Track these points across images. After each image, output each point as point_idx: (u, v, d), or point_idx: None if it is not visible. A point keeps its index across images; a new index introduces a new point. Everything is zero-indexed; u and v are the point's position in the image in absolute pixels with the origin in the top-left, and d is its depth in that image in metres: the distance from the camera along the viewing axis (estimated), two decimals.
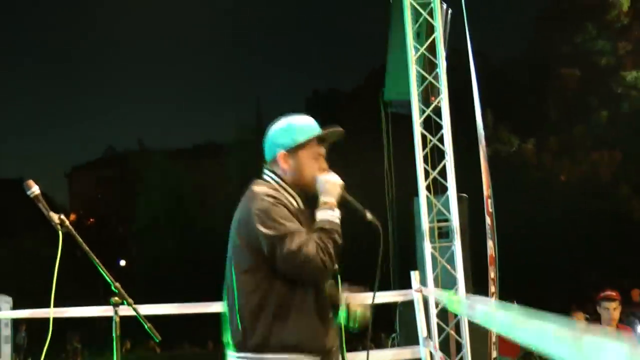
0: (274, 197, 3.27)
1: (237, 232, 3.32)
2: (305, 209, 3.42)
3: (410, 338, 7.53)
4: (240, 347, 3.26)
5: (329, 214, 3.30)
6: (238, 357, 3.27)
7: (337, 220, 3.31)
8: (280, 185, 3.40)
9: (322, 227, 3.25)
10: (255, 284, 3.23)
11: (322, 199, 3.36)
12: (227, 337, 3.34)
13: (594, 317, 9.60)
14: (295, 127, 3.45)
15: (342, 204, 3.41)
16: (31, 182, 3.56)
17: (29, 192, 3.55)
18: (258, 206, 3.24)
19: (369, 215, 3.43)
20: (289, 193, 3.39)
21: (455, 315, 7.69)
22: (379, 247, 3.46)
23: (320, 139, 3.46)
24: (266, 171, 3.48)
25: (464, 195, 8.21)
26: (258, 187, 3.36)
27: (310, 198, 3.44)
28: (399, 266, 9.24)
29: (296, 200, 3.40)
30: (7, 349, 15.22)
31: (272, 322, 3.20)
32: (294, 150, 3.41)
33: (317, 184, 3.40)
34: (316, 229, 3.25)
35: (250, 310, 3.23)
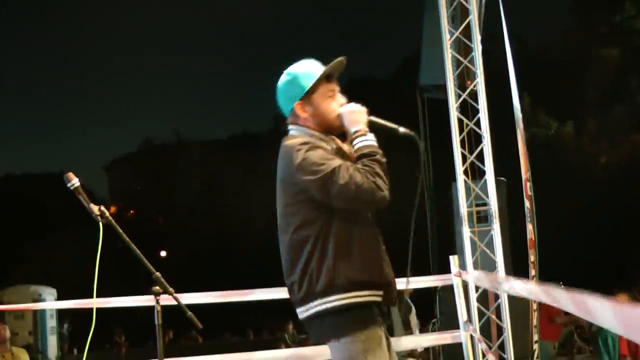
0: (307, 143, 3.29)
1: (284, 192, 3.35)
2: (341, 147, 3.46)
3: (450, 323, 7.52)
4: (307, 299, 3.26)
5: (364, 140, 3.33)
6: (307, 309, 3.28)
7: (374, 142, 3.34)
8: (308, 134, 3.41)
9: (362, 153, 3.28)
10: (314, 236, 3.23)
11: (352, 129, 3.39)
12: (295, 298, 3.35)
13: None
14: (300, 75, 3.43)
15: (372, 128, 3.42)
16: (71, 175, 3.58)
17: (69, 185, 3.57)
18: (296, 158, 3.24)
19: (402, 130, 3.43)
20: (319, 138, 3.39)
21: (496, 299, 7.66)
22: (419, 162, 3.59)
23: (327, 77, 3.44)
24: (290, 126, 3.50)
25: (502, 179, 8.16)
26: (289, 141, 3.36)
27: (342, 135, 3.49)
28: (438, 251, 9.24)
29: (329, 143, 3.40)
30: (53, 339, 15.45)
31: (335, 263, 3.19)
32: (307, 97, 3.41)
33: (342, 119, 3.42)
34: (357, 157, 3.29)
35: (313, 260, 3.23)
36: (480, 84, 7.85)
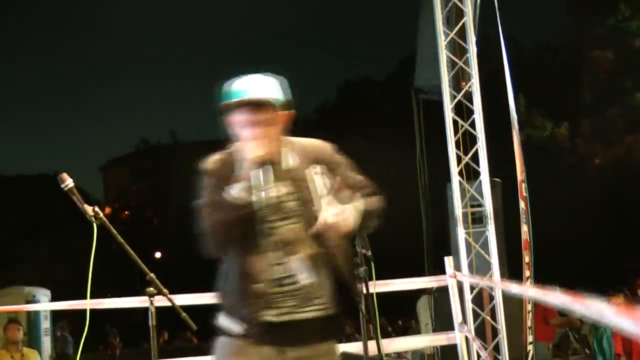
0: (203, 167, 3.39)
1: None
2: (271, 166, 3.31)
3: (445, 324, 7.52)
4: None
5: (230, 189, 3.25)
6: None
7: (232, 194, 3.24)
8: (234, 151, 3.38)
9: (219, 200, 3.31)
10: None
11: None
12: None
13: (635, 300, 9.53)
14: (225, 88, 3.33)
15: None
16: (65, 176, 3.56)
17: (63, 186, 3.54)
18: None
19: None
20: (233, 156, 3.36)
21: (491, 300, 7.67)
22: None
23: (232, 106, 3.28)
24: None
25: (497, 180, 8.17)
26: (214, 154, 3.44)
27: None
28: (433, 252, 9.25)
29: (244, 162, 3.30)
30: (47, 341, 15.43)
31: (221, 285, 3.38)
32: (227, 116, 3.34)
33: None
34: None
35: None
36: (475, 85, 7.87)
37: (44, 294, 15.84)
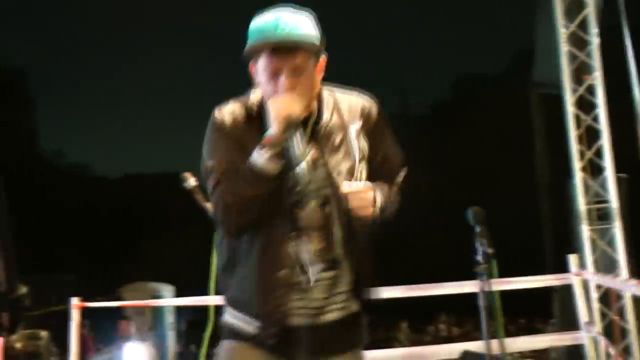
0: (215, 122, 2.66)
1: None
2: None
3: (569, 323, 7.34)
4: None
5: (256, 153, 2.52)
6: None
7: (259, 163, 2.51)
8: (254, 102, 2.70)
9: (241, 169, 2.55)
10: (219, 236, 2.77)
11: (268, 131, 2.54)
12: None
13: None
14: (251, 27, 2.61)
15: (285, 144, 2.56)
16: (188, 175, 3.72)
17: (185, 185, 3.71)
18: (208, 126, 2.71)
19: (301, 166, 2.60)
20: (258, 109, 2.67)
21: (618, 300, 7.44)
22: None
23: (269, 48, 2.55)
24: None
25: (623, 175, 7.92)
26: (217, 109, 2.73)
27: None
28: (554, 250, 9.03)
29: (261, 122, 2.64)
30: (171, 335, 15.86)
31: (222, 274, 2.74)
32: (253, 60, 2.64)
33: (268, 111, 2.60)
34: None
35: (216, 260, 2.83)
36: (598, 78, 7.69)
37: (167, 290, 16.25)
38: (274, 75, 2.54)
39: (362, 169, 2.69)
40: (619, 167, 7.64)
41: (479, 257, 3.30)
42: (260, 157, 2.49)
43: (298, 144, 2.55)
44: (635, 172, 7.68)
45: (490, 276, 3.42)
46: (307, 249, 2.63)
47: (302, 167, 2.58)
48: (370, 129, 2.73)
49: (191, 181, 3.71)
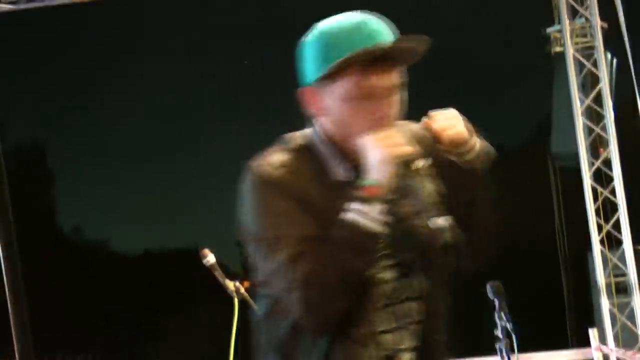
0: (266, 178, 1.90)
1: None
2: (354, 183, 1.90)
3: None
4: None
5: (357, 209, 1.81)
6: None
7: (369, 225, 1.81)
8: (315, 144, 1.97)
9: (334, 234, 1.82)
10: (266, 309, 2.02)
11: (364, 177, 1.85)
12: None
13: None
14: (324, 43, 1.90)
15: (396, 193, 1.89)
16: (206, 251, 3.64)
17: (204, 261, 3.64)
18: (244, 187, 1.95)
19: (440, 221, 1.95)
20: (324, 154, 1.96)
21: None
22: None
23: (364, 61, 1.84)
24: (312, 118, 2.02)
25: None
26: (257, 163, 1.95)
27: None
28: (575, 323, 8.96)
29: (338, 168, 1.94)
30: None
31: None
32: (325, 80, 1.89)
33: (362, 150, 1.87)
34: (329, 236, 1.83)
35: (260, 342, 2.05)
36: (613, 151, 7.74)
37: None
38: (364, 98, 1.86)
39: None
40: (637, 239, 7.64)
41: (499, 332, 3.30)
42: (365, 215, 1.80)
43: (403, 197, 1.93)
44: None
45: (511, 351, 3.42)
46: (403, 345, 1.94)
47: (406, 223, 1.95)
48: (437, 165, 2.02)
49: (210, 258, 3.66)
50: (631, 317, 7.51)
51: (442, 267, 1.98)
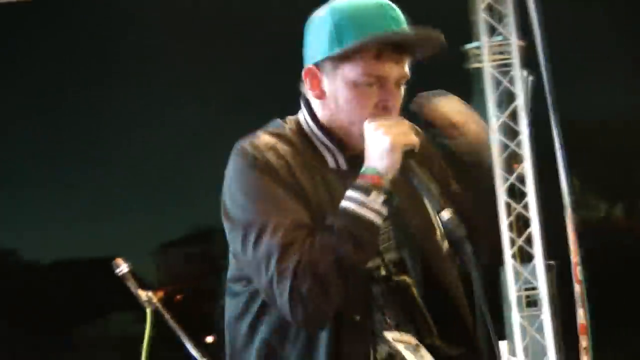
0: (253, 158, 1.80)
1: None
2: (350, 173, 1.85)
3: None
4: None
5: (357, 199, 1.73)
6: None
7: (369, 215, 1.72)
8: (307, 129, 1.90)
9: (331, 224, 1.73)
10: (241, 308, 1.90)
11: (366, 165, 1.77)
12: None
13: None
14: (337, 22, 1.82)
15: (404, 180, 1.83)
16: (120, 261, 3.66)
17: (117, 271, 3.64)
18: (227, 172, 1.85)
19: (446, 215, 1.75)
20: (319, 142, 1.88)
21: None
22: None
23: (380, 46, 1.79)
24: (302, 102, 1.95)
25: (552, 263, 8.24)
26: (241, 144, 1.85)
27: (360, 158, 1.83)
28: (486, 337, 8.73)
29: (333, 156, 1.88)
30: None
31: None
32: (330, 63, 1.83)
33: (364, 136, 1.80)
34: (326, 225, 1.74)
35: (236, 345, 1.92)
36: (527, 167, 7.94)
37: None
38: (374, 86, 1.81)
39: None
40: (548, 254, 7.96)
41: None
42: (365, 206, 1.71)
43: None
44: (565, 259, 8.03)
45: None
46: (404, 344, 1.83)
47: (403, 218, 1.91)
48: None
49: (123, 267, 3.63)
50: (540, 330, 7.75)
51: (441, 263, 1.93)
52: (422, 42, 1.83)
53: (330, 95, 1.85)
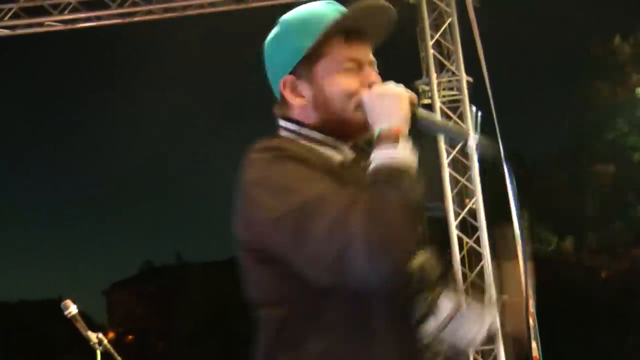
0: (277, 150, 1.73)
1: (240, 246, 1.77)
2: (357, 163, 1.81)
3: None
4: None
5: (388, 153, 1.65)
6: None
7: (406, 160, 1.64)
8: (301, 135, 1.84)
9: (375, 179, 1.62)
10: (278, 320, 1.74)
11: (377, 127, 1.70)
12: None
13: None
14: (295, 27, 1.87)
15: (417, 130, 1.78)
16: (68, 302, 3.63)
17: (66, 313, 3.63)
18: (248, 176, 1.72)
19: (473, 140, 1.79)
20: (320, 143, 1.83)
21: None
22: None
23: (346, 34, 1.82)
24: (280, 122, 1.89)
25: (504, 296, 8.27)
26: (256, 147, 1.76)
27: (365, 143, 1.83)
28: None
29: (338, 151, 1.84)
30: None
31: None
32: (303, 68, 1.83)
33: (364, 110, 1.77)
34: (369, 183, 1.62)
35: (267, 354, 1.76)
36: (478, 201, 8.00)
37: None
38: (355, 69, 1.82)
39: None
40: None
41: None
42: (396, 154, 1.63)
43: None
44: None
45: None
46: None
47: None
48: None
49: (72, 309, 3.63)
50: None
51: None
52: (379, 12, 1.84)
53: (315, 94, 1.83)
